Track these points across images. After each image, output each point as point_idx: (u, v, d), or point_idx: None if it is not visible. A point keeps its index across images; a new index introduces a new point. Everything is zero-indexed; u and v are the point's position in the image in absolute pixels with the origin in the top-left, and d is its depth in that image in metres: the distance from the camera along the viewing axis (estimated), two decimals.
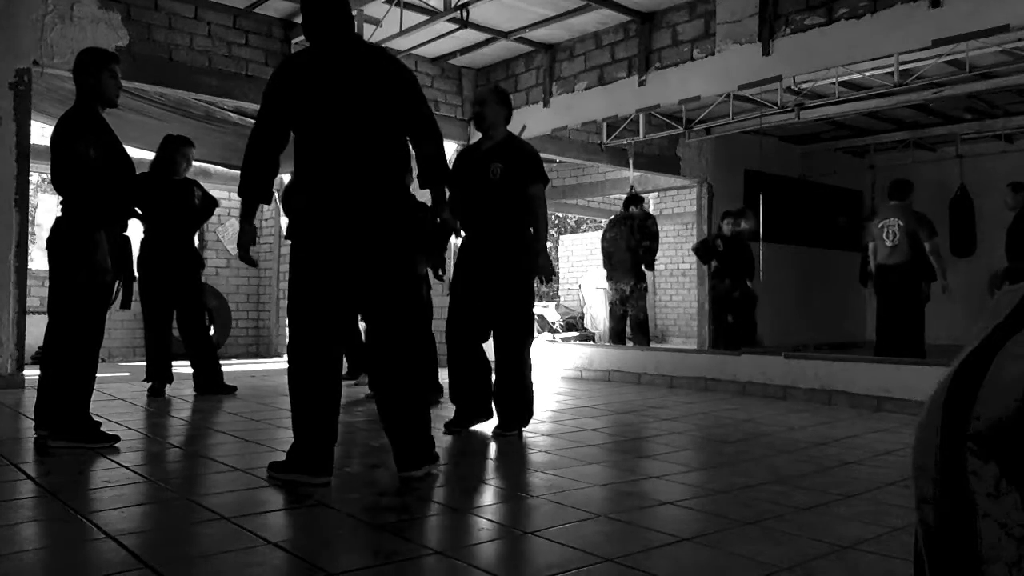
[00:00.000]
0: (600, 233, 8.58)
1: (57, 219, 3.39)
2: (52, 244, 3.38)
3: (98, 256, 3.34)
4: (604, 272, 8.24)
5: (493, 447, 3.68)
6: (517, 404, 3.93)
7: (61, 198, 3.39)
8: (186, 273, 5.27)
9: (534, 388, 4.01)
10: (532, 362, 3.98)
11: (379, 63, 2.86)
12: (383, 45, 6.47)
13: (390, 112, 2.82)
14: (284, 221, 5.79)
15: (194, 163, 9.08)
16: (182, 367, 5.46)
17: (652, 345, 8.86)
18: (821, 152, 10.15)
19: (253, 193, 2.86)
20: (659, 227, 8.23)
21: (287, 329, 2.80)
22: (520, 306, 3.94)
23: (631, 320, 7.89)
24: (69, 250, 3.32)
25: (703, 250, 8.00)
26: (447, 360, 4.03)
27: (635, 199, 8.00)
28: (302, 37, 6.56)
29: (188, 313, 5.33)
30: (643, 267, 7.89)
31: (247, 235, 2.92)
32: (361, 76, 2.81)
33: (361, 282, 2.78)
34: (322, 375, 2.76)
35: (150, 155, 8.28)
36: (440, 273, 5.12)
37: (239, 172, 2.87)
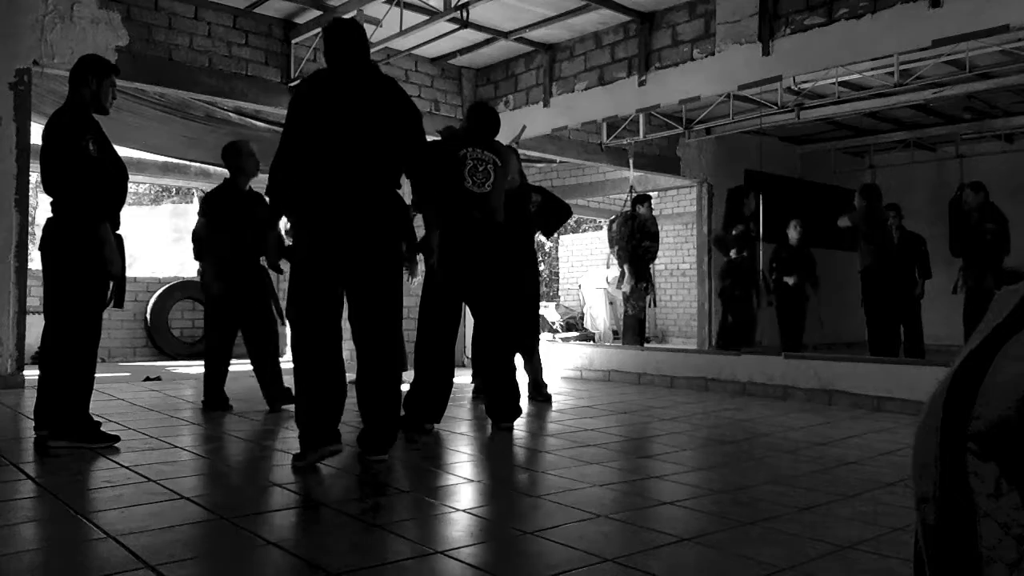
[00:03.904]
0: (600, 233, 8.59)
1: (50, 219, 3.33)
2: (50, 243, 3.32)
3: (106, 251, 3.31)
4: (610, 267, 8.26)
5: (492, 449, 3.68)
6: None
7: (53, 198, 3.32)
8: (256, 290, 4.75)
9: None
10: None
11: (389, 92, 3.18)
12: (383, 45, 6.47)
13: (390, 136, 3.13)
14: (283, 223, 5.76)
15: (192, 164, 9.10)
16: (172, 366, 5.45)
17: (652, 345, 8.85)
18: (821, 152, 10.14)
19: (281, 202, 3.14)
20: (659, 227, 8.24)
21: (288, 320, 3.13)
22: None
23: (627, 319, 7.90)
24: (74, 247, 3.28)
25: (724, 242, 8.14)
26: (421, 365, 3.97)
27: (643, 198, 8.00)
28: (302, 37, 6.69)
29: (255, 330, 4.82)
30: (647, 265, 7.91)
31: (275, 241, 3.43)
32: (369, 99, 3.12)
33: (351, 269, 3.06)
34: (319, 354, 3.03)
35: (148, 156, 8.34)
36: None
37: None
